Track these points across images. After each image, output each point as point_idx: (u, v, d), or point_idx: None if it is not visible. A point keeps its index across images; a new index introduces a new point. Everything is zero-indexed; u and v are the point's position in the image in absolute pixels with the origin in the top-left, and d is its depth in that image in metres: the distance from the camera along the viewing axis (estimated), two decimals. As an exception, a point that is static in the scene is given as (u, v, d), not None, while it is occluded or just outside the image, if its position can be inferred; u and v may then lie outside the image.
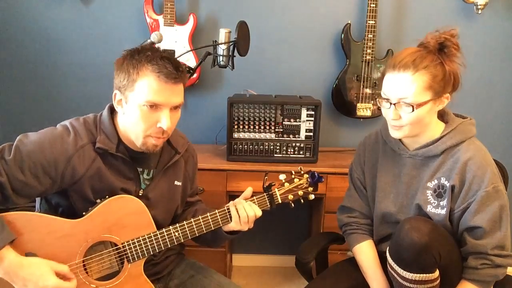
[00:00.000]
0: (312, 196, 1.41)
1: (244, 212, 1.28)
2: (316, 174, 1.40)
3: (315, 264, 1.51)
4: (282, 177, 1.38)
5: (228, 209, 1.31)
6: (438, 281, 1.18)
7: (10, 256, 1.06)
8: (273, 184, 1.37)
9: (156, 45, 1.51)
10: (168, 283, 1.42)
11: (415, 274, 1.15)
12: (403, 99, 1.23)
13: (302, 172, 1.41)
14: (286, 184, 1.38)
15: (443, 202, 1.28)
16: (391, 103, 1.26)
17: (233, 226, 1.30)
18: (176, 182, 1.38)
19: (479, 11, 2.27)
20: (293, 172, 1.40)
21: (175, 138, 1.36)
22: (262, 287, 2.44)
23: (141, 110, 1.16)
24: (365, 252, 1.44)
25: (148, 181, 1.32)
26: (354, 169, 1.51)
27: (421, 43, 1.28)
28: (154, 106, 1.16)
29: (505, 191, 1.28)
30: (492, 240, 1.22)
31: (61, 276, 1.12)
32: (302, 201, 1.41)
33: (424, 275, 1.15)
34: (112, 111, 1.27)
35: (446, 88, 1.25)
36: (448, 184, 1.27)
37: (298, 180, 1.39)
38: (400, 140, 1.38)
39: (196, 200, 1.51)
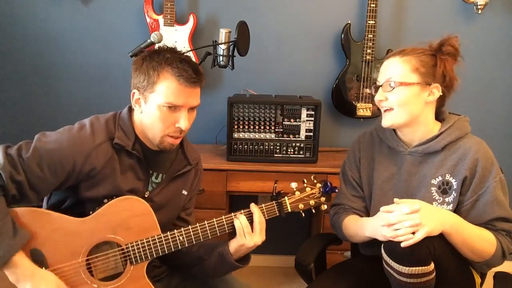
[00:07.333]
0: (325, 206, 1.39)
1: (245, 220, 1.27)
2: (329, 184, 1.38)
3: (313, 265, 1.51)
4: (294, 185, 1.36)
5: (235, 215, 1.29)
6: (434, 274, 1.18)
7: (25, 264, 1.07)
8: (282, 192, 1.35)
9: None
10: (170, 281, 1.42)
11: (411, 268, 1.15)
12: (389, 80, 1.31)
13: (315, 181, 1.39)
14: (297, 193, 1.36)
15: (449, 199, 1.30)
16: (379, 86, 1.34)
17: (238, 240, 1.27)
18: (184, 191, 1.39)
19: (479, 11, 2.27)
20: (305, 181, 1.38)
21: (190, 149, 1.40)
22: (262, 287, 2.44)
23: (161, 110, 1.21)
24: (354, 218, 1.43)
25: (155, 185, 1.33)
26: (348, 167, 1.51)
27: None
28: (173, 108, 1.21)
29: None
30: None
31: None
32: (313, 210, 1.39)
33: (420, 267, 1.15)
34: (131, 109, 1.31)
35: (435, 78, 1.30)
36: (453, 181, 1.30)
37: (310, 189, 1.37)
38: (398, 137, 1.40)
39: (188, 219, 1.45)
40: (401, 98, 1.30)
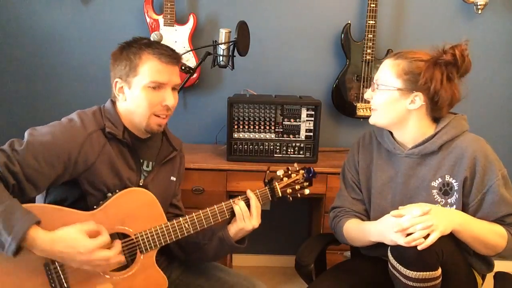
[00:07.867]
0: (307, 191, 1.46)
1: (244, 205, 1.35)
2: (311, 170, 1.46)
3: (313, 266, 1.51)
4: (280, 172, 1.43)
5: (233, 201, 1.36)
6: (440, 278, 1.18)
7: (40, 236, 1.06)
8: (274, 178, 1.43)
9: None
10: (169, 275, 1.43)
11: (419, 272, 1.15)
12: (377, 80, 1.35)
13: (297, 168, 1.47)
14: (285, 179, 1.43)
15: (451, 200, 1.30)
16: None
17: (238, 224, 1.35)
18: (172, 178, 1.44)
19: (479, 11, 2.27)
20: (289, 168, 1.46)
21: (172, 137, 1.45)
22: (262, 287, 2.44)
23: (146, 91, 1.26)
24: (356, 221, 1.41)
25: (147, 173, 1.36)
26: (348, 169, 1.50)
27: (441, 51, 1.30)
28: (157, 86, 1.26)
29: None
30: None
31: (92, 233, 1.13)
32: (299, 195, 1.46)
33: (428, 272, 1.15)
34: (113, 102, 1.34)
35: (418, 86, 1.27)
36: (453, 181, 1.29)
37: (295, 175, 1.45)
38: (394, 139, 1.39)
39: (179, 205, 1.53)
40: (381, 100, 1.33)
